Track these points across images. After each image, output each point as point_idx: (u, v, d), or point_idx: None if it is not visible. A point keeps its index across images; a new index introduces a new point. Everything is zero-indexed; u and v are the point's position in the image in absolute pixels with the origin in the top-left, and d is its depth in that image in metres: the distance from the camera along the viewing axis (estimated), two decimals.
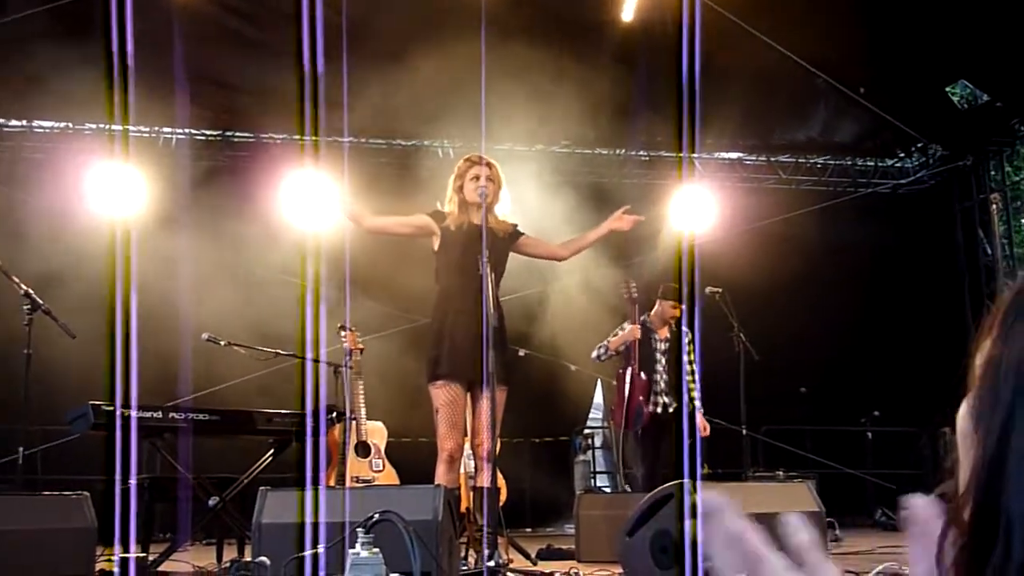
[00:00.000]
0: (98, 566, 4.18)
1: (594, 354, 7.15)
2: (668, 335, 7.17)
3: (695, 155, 11.02)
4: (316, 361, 6.37)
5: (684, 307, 7.07)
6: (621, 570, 4.26)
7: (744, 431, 7.33)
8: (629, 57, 9.73)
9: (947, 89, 10.86)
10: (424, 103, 9.63)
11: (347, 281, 7.94)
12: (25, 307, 4.79)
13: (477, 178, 5.00)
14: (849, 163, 11.61)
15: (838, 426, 10.42)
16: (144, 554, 5.55)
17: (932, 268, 11.40)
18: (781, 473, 8.69)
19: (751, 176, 11.39)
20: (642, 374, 6.99)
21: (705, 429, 7.00)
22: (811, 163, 11.47)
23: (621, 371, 7.06)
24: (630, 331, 6.95)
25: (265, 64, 9.54)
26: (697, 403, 6.99)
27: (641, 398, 6.98)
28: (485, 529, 4.62)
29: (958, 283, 11.56)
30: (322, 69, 7.99)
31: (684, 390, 7.00)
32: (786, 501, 4.32)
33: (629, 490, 7.04)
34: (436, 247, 5.10)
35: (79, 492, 3.84)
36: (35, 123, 9.89)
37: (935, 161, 11.65)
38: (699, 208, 10.49)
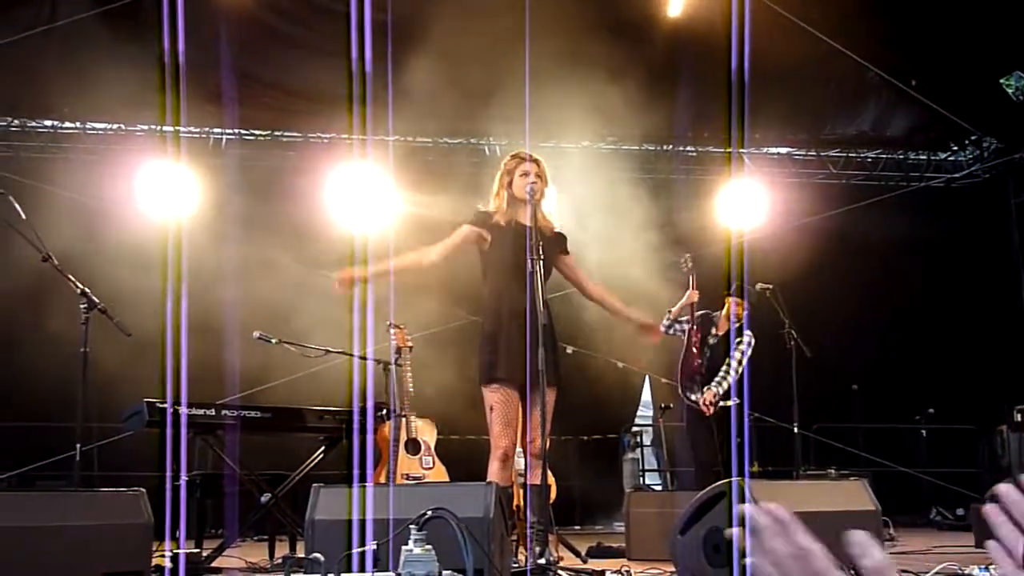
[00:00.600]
0: (152, 561, 4.23)
1: (661, 326, 7.20)
2: (723, 332, 7.17)
3: (743, 150, 10.92)
4: (364, 358, 6.40)
5: (734, 304, 7.06)
6: (673, 568, 4.23)
7: (795, 429, 7.25)
8: (676, 52, 9.67)
9: (1001, 81, 10.65)
10: (469, 101, 9.64)
11: (391, 277, 7.99)
12: (82, 306, 4.86)
13: (526, 174, 4.99)
14: (901, 157, 11.43)
15: (892, 424, 10.27)
16: (197, 550, 5.62)
17: (986, 263, 11.19)
18: (833, 471, 8.58)
19: (800, 171, 11.26)
20: (697, 331, 7.20)
21: (708, 408, 6.98)
22: (862, 157, 11.31)
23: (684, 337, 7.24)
24: (687, 296, 7.15)
25: (312, 64, 9.61)
26: (713, 387, 6.98)
27: (695, 351, 7.12)
28: (529, 525, 4.61)
29: (1013, 278, 11.33)
30: (369, 68, 8.05)
31: (732, 387, 6.93)
32: (842, 499, 4.26)
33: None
34: (484, 246, 5.07)
35: (136, 488, 3.88)
36: (88, 125, 10.05)
37: (989, 154, 11.43)
38: (748, 204, 10.40)
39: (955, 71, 10.13)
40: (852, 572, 0.90)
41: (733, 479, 4.00)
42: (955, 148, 11.58)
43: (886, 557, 0.88)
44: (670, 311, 7.19)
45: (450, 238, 5.16)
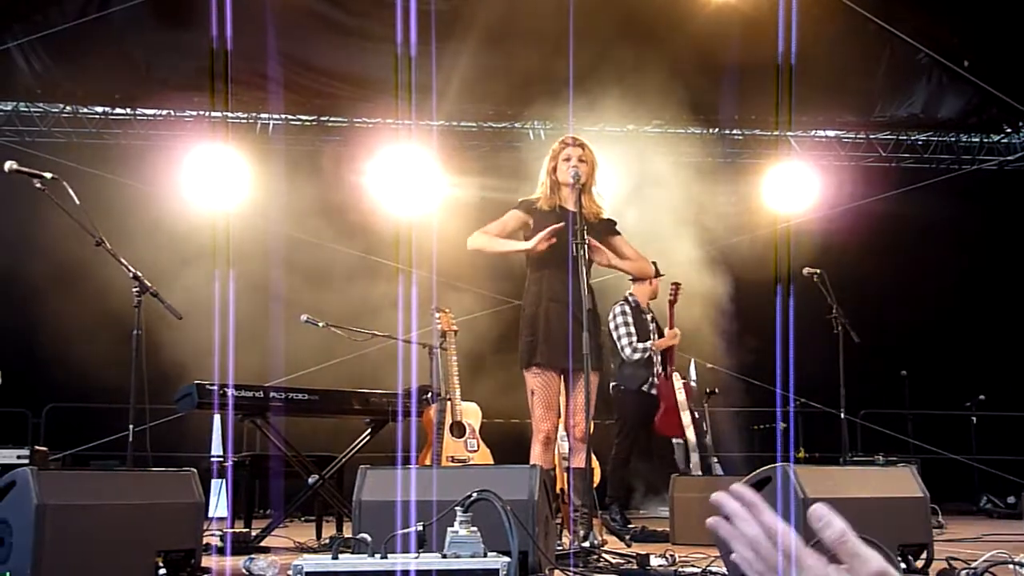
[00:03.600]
0: (204, 540, 4.30)
1: (636, 356, 7.14)
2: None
3: (791, 133, 10.81)
4: (407, 342, 6.45)
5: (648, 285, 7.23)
6: (718, 553, 4.22)
7: (842, 415, 7.18)
8: (723, 34, 9.58)
9: None
10: (514, 85, 9.64)
11: (433, 261, 8.04)
12: (134, 290, 4.94)
13: (568, 159, 4.97)
14: (953, 139, 11.25)
15: (941, 410, 10.14)
16: (246, 529, 5.72)
17: None
18: (880, 457, 8.50)
19: (849, 154, 11.12)
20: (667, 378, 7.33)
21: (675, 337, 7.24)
22: (912, 140, 11.14)
23: (647, 383, 7.24)
24: (671, 335, 7.27)
25: (358, 49, 9.67)
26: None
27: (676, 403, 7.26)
28: (573, 508, 4.63)
29: None
30: (414, 53, 8.08)
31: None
32: (890, 486, 4.22)
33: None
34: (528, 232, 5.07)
35: (187, 468, 3.96)
36: (139, 111, 10.19)
37: None
38: (795, 187, 10.31)
39: (1009, 51, 9.93)
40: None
41: (779, 464, 3.98)
42: (1008, 130, 11.36)
43: (845, 526, 0.87)
44: (653, 344, 7.22)
45: (502, 221, 5.09)
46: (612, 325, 7.16)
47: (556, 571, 3.87)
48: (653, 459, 7.56)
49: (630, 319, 7.17)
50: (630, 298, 7.28)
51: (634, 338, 7.15)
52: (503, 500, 3.21)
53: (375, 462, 4.04)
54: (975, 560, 3.84)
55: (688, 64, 9.42)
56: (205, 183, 9.45)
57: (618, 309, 7.23)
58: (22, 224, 8.69)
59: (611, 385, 7.20)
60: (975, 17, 9.60)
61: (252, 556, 3.93)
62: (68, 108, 10.07)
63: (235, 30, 7.71)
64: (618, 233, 5.12)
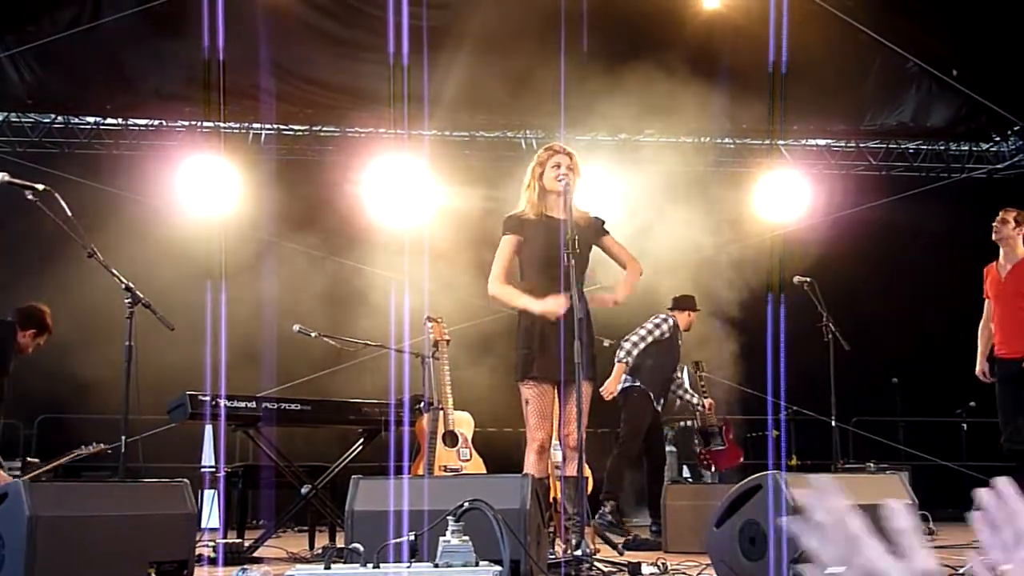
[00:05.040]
0: (197, 550, 4.31)
1: (622, 354, 7.18)
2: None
3: (782, 142, 10.85)
4: (400, 351, 6.46)
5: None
6: (709, 561, 4.24)
7: (833, 422, 7.21)
8: (713, 43, 9.63)
9: None
10: (506, 95, 9.67)
11: (425, 270, 8.06)
12: (126, 300, 4.94)
13: (557, 166, 4.97)
14: (942, 148, 11.29)
15: (932, 417, 10.18)
16: (239, 540, 5.72)
17: None
18: (871, 465, 8.53)
19: (839, 163, 11.17)
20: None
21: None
22: (902, 149, 11.19)
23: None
24: (709, 404, 7.98)
25: (351, 60, 9.70)
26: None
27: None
28: (565, 516, 4.64)
29: None
30: (406, 63, 8.11)
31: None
32: (877, 493, 4.24)
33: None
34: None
35: (179, 479, 3.97)
36: (130, 121, 10.20)
37: None
38: (786, 196, 10.36)
39: (997, 60, 9.99)
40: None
41: (770, 472, 4.00)
42: (997, 139, 11.42)
43: (912, 525, 0.89)
44: (705, 406, 7.87)
45: (504, 258, 5.00)
46: (640, 328, 7.24)
47: None
48: (648, 468, 7.57)
49: (656, 335, 7.24)
50: (670, 319, 7.37)
51: (639, 348, 7.17)
52: (495, 509, 3.22)
53: (368, 472, 4.05)
54: (963, 566, 3.86)
55: (679, 73, 9.45)
56: (198, 193, 9.46)
57: (658, 320, 7.31)
58: (12, 235, 8.69)
59: (625, 385, 7.18)
60: (964, 27, 9.66)
61: (245, 567, 3.94)
62: (60, 118, 10.07)
63: (227, 40, 7.73)
64: (607, 233, 5.14)
